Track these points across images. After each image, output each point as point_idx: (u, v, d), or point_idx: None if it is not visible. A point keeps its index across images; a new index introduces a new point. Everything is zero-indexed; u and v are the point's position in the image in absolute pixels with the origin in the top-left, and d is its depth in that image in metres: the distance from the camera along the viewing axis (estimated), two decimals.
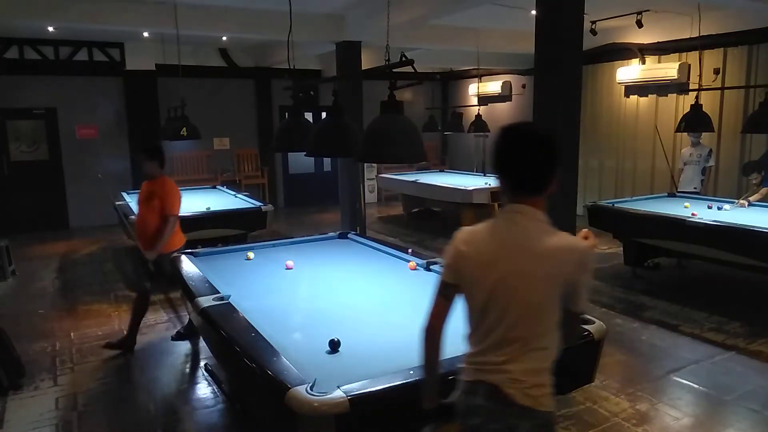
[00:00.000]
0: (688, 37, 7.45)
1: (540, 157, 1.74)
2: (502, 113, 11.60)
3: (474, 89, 11.52)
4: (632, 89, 8.83)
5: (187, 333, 4.71)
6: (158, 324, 5.18)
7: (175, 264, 3.92)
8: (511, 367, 1.72)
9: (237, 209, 6.79)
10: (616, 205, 6.40)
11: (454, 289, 1.83)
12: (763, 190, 6.14)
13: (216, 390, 3.91)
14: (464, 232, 1.84)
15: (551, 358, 1.78)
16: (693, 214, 5.53)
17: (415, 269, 3.80)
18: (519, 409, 1.72)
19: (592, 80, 9.35)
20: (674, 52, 8.10)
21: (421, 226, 9.63)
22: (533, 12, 4.45)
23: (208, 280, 3.44)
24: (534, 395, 1.73)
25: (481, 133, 10.52)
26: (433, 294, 1.87)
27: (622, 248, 6.60)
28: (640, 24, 7.33)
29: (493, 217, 1.84)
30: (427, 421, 1.92)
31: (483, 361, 1.76)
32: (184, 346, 4.65)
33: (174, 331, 4.84)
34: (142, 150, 4.59)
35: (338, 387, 2.00)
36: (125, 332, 4.62)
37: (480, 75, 11.02)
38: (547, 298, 1.72)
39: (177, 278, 3.93)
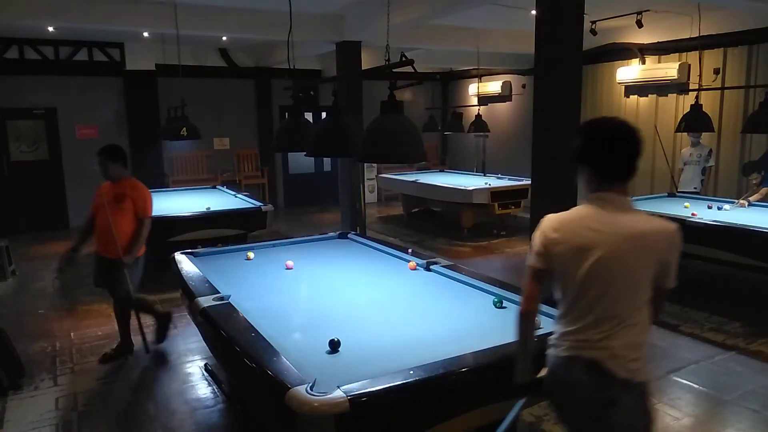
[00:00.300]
0: (688, 37, 7.45)
1: (633, 149, 1.91)
2: (502, 113, 11.60)
3: (474, 89, 11.52)
4: (632, 89, 8.83)
5: (116, 353, 4.43)
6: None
7: (174, 265, 3.92)
8: (610, 344, 1.85)
9: (237, 209, 6.78)
10: None
11: (545, 274, 1.98)
12: (763, 190, 6.14)
13: (216, 390, 3.91)
14: (551, 220, 1.98)
15: (645, 332, 1.93)
16: (693, 214, 5.53)
17: (415, 269, 3.80)
18: (620, 382, 1.84)
19: (592, 80, 9.34)
20: (674, 52, 8.09)
21: (421, 226, 9.63)
22: (533, 12, 4.45)
23: (208, 280, 3.44)
24: (632, 368, 1.86)
25: (481, 133, 10.52)
26: (526, 280, 2.02)
27: None
28: (640, 24, 7.33)
29: (582, 204, 1.98)
30: (520, 395, 2.08)
31: (581, 339, 1.89)
32: (184, 346, 4.65)
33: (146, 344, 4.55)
34: (102, 151, 4.32)
35: (338, 387, 2.00)
36: (119, 339, 4.54)
37: (480, 75, 11.01)
38: (643, 278, 1.89)
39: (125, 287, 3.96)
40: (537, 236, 1.99)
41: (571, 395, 1.92)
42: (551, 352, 2.00)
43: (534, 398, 2.06)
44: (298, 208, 11.46)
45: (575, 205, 2.02)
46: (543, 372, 2.04)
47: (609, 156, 1.91)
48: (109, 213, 4.19)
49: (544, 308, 2.88)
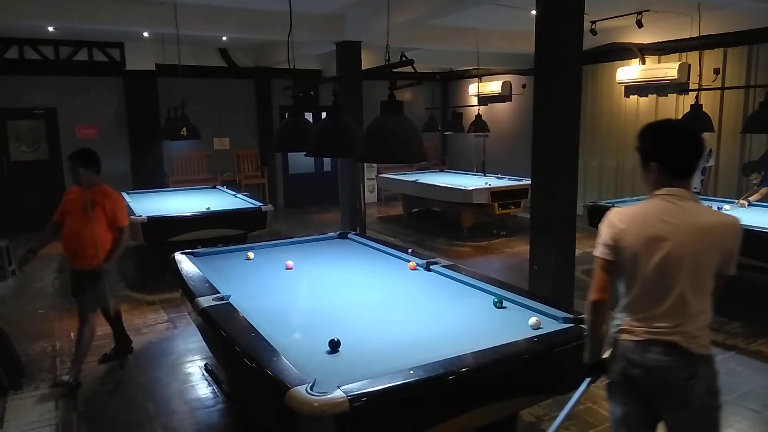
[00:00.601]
0: (688, 37, 7.46)
1: (698, 149, 2.10)
2: (502, 113, 11.60)
3: (474, 89, 11.52)
4: (632, 89, 8.83)
5: (115, 354, 4.41)
6: (158, 324, 5.19)
7: (174, 266, 3.92)
8: (686, 328, 2.03)
9: (237, 209, 6.78)
10: (616, 205, 6.39)
11: (614, 266, 2.11)
12: (763, 190, 6.14)
13: (216, 390, 3.91)
14: (618, 214, 2.14)
15: (710, 316, 2.10)
16: None
17: (415, 269, 3.80)
18: (698, 358, 2.04)
19: (592, 80, 9.35)
20: (674, 52, 8.10)
21: (421, 226, 9.64)
22: (533, 12, 4.45)
23: (208, 280, 3.44)
24: (705, 345, 2.07)
25: (481, 133, 10.51)
26: (596, 272, 2.15)
27: None
28: (640, 24, 7.33)
29: (649, 199, 2.13)
30: (587, 374, 2.27)
31: (656, 325, 2.05)
32: (184, 346, 4.66)
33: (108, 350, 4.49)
34: (75, 156, 4.08)
35: (338, 387, 2.00)
36: (114, 341, 4.48)
37: (480, 75, 11.02)
38: (710, 267, 2.06)
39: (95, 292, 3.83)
40: (604, 229, 2.14)
41: (651, 375, 2.06)
42: (623, 336, 2.12)
43: (598, 378, 2.28)
44: (298, 208, 11.46)
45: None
46: (606, 354, 2.22)
47: (678, 155, 2.09)
48: (74, 220, 3.99)
49: (544, 308, 2.89)
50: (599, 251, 2.15)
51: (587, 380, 2.28)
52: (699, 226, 2.03)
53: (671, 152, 2.09)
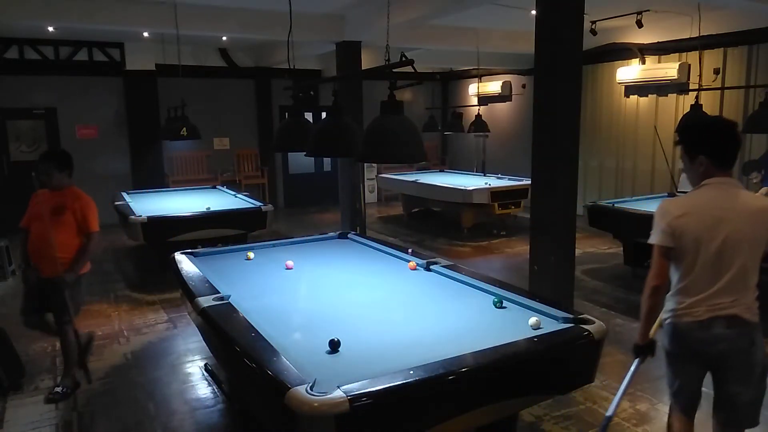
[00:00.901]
0: (688, 37, 7.45)
1: (739, 140, 2.36)
2: (502, 113, 11.60)
3: (474, 89, 11.52)
4: (632, 89, 8.83)
5: (66, 392, 3.85)
6: (158, 324, 5.18)
7: (174, 266, 3.92)
8: (742, 301, 2.29)
9: (237, 209, 6.78)
10: (616, 205, 6.40)
11: (672, 252, 2.32)
12: (763, 190, 6.13)
13: (216, 390, 3.91)
14: (675, 203, 2.40)
15: (756, 289, 2.36)
16: None
17: (415, 269, 3.80)
18: (754, 326, 2.32)
19: (592, 80, 9.35)
20: (674, 52, 8.10)
21: (421, 226, 9.63)
22: (533, 12, 4.45)
23: (208, 280, 3.44)
24: (757, 313, 2.34)
25: (481, 133, 10.52)
26: (655, 259, 2.36)
27: (622, 248, 6.60)
28: (640, 24, 7.33)
29: (700, 189, 2.35)
30: (638, 355, 2.53)
31: (717, 302, 2.28)
32: (184, 346, 4.65)
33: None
34: (50, 158, 3.87)
35: (338, 387, 1.99)
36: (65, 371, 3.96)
37: (480, 75, 11.02)
38: (760, 246, 2.31)
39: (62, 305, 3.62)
40: (661, 219, 2.35)
41: (717, 349, 2.30)
42: (684, 319, 2.34)
43: (645, 358, 2.53)
44: (298, 208, 11.46)
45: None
46: (654, 334, 2.49)
47: (724, 147, 2.33)
48: (43, 225, 3.73)
49: (544, 308, 2.89)
50: (658, 239, 2.34)
51: (636, 360, 2.52)
52: (750, 209, 2.28)
53: (718, 145, 2.33)
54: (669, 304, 2.41)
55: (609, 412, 2.52)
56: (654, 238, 2.36)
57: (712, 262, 2.27)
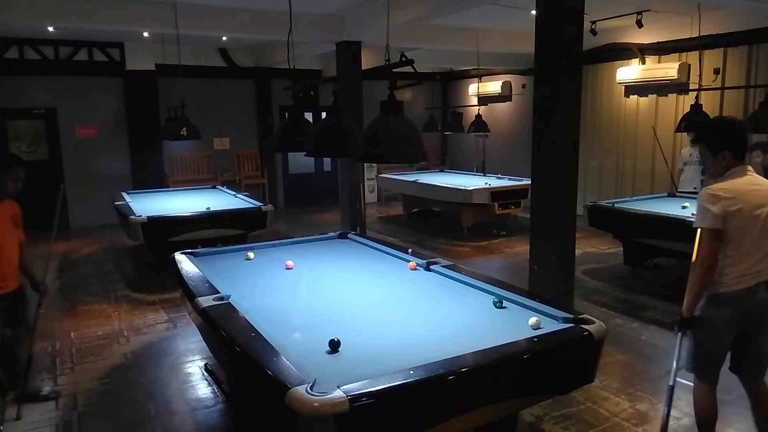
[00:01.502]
0: (688, 37, 7.45)
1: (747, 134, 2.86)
2: (502, 113, 11.60)
3: (474, 89, 11.52)
4: (632, 89, 8.82)
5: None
6: (158, 324, 5.18)
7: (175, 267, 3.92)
8: None
9: (237, 209, 6.78)
10: (616, 205, 6.40)
11: (721, 234, 2.65)
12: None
13: (216, 390, 3.91)
14: (720, 189, 2.69)
15: None
16: (693, 214, 5.52)
17: (415, 269, 3.80)
18: None
19: (592, 80, 9.35)
20: (674, 52, 8.10)
21: (421, 226, 9.64)
22: (533, 12, 4.45)
23: (208, 280, 3.44)
24: None
25: (481, 133, 10.52)
26: (707, 242, 2.67)
27: (622, 248, 6.60)
28: (640, 24, 7.33)
29: (733, 177, 2.73)
30: (682, 327, 2.83)
31: (758, 269, 2.69)
32: (184, 346, 4.65)
33: None
34: (20, 162, 3.79)
35: (338, 387, 1.99)
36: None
37: (480, 75, 11.02)
38: None
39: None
40: (710, 204, 2.66)
41: (760, 310, 2.71)
42: (736, 287, 2.69)
43: (686, 331, 2.83)
44: (298, 208, 11.46)
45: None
46: (698, 311, 2.78)
47: (743, 143, 2.80)
48: (4, 235, 3.63)
49: (544, 308, 2.89)
50: (710, 223, 2.65)
51: (680, 334, 2.84)
52: None
53: (740, 141, 2.79)
54: (717, 277, 2.70)
55: (671, 382, 2.85)
56: (706, 223, 2.67)
57: (756, 236, 2.66)
